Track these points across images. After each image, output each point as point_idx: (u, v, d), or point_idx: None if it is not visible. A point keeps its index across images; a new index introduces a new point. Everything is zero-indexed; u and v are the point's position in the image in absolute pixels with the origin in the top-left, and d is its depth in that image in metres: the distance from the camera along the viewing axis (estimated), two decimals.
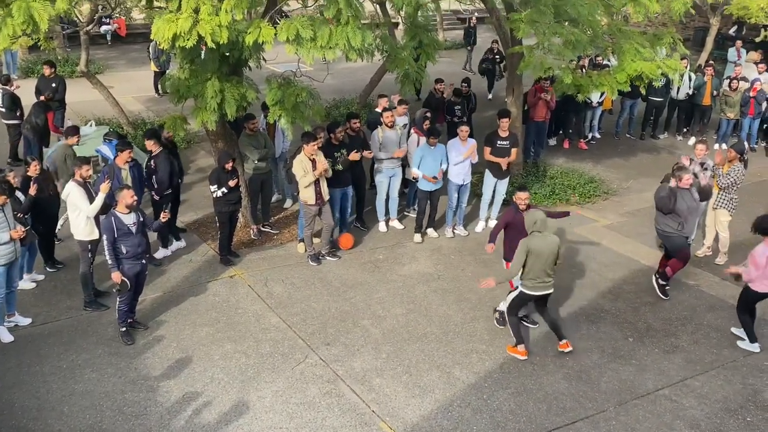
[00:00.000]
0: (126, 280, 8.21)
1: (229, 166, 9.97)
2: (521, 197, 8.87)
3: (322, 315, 9.15)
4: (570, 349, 8.43)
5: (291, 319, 9.04)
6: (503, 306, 8.73)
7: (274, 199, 12.22)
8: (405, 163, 11.67)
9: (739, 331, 8.80)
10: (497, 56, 19.81)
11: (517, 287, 8.35)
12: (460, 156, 11.02)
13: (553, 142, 16.00)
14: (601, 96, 15.49)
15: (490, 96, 19.95)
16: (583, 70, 14.63)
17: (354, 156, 10.73)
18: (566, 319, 9.20)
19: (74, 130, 11.15)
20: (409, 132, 12.09)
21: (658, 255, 10.95)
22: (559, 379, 8.00)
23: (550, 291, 8.29)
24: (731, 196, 10.55)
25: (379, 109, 12.87)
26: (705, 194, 10.26)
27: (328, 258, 10.58)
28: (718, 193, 10.57)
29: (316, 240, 10.69)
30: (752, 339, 8.67)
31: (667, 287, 9.80)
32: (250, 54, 9.11)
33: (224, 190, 9.93)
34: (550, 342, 8.63)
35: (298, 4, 10.29)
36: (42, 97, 13.97)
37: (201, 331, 8.74)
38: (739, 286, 8.76)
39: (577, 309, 9.47)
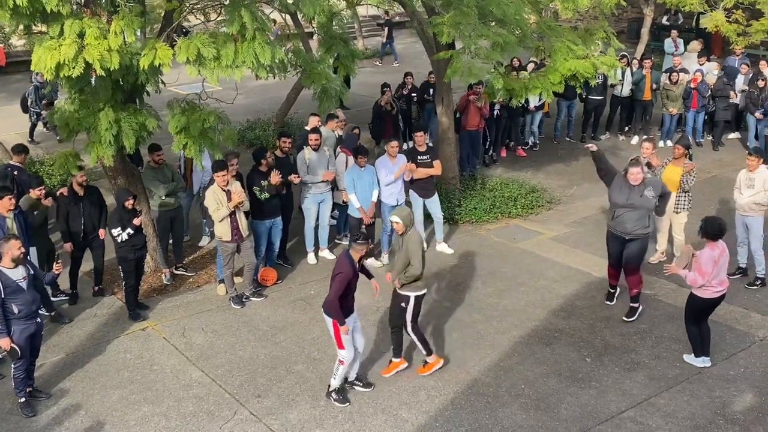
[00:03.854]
0: (15, 347, 7.94)
1: (129, 204, 9.77)
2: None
3: (250, 364, 9.02)
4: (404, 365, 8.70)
5: (215, 371, 8.88)
6: (341, 373, 8.18)
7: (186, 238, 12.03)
8: (334, 187, 11.67)
9: (690, 358, 8.83)
10: (413, 94, 16.66)
11: (409, 297, 8.54)
12: (390, 176, 11.10)
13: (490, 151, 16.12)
14: (540, 99, 15.65)
15: (405, 146, 15.87)
16: (517, 73, 14.86)
17: (274, 178, 10.56)
18: (518, 342, 9.31)
19: None
20: (335, 151, 12.07)
21: None
22: (516, 411, 8.06)
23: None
24: (690, 197, 10.87)
25: (309, 128, 12.83)
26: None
27: (252, 299, 10.46)
28: (679, 196, 10.73)
29: (237, 280, 10.56)
30: (697, 353, 8.69)
31: (612, 291, 10.10)
32: (146, 78, 9.02)
33: (130, 231, 9.72)
34: (503, 371, 8.72)
35: (198, 20, 10.23)
36: None
37: (113, 394, 8.50)
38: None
39: (528, 331, 9.59)
